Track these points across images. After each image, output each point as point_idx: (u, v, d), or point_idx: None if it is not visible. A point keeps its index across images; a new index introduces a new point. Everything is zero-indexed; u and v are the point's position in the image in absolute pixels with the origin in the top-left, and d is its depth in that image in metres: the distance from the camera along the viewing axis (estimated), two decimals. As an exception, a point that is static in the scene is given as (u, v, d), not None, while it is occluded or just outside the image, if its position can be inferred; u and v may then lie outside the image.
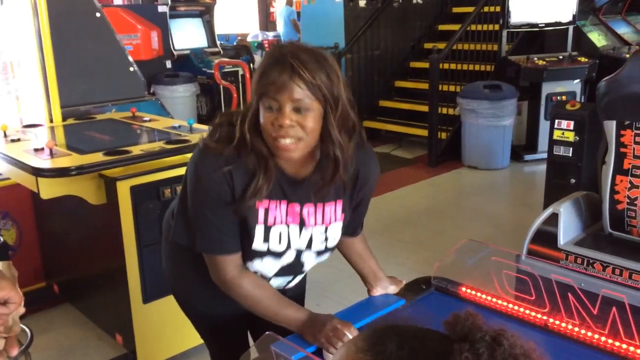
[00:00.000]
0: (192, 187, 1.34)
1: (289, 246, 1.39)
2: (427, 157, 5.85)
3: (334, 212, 1.41)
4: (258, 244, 1.36)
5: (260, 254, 1.38)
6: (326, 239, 1.43)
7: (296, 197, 1.36)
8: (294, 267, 1.45)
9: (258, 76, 1.24)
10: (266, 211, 1.34)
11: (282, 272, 1.44)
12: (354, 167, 1.37)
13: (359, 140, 1.36)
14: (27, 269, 3.06)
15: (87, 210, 2.46)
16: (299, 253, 1.42)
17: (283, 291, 1.50)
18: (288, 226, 1.37)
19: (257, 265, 1.40)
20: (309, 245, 1.42)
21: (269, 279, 1.45)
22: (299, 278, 1.53)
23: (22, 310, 1.06)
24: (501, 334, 0.66)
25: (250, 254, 1.37)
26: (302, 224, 1.38)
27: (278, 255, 1.39)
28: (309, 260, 1.46)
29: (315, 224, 1.39)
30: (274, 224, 1.35)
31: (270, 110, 1.23)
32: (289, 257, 1.41)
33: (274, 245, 1.37)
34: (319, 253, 1.45)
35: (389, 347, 0.66)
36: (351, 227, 1.52)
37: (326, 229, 1.41)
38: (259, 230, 1.34)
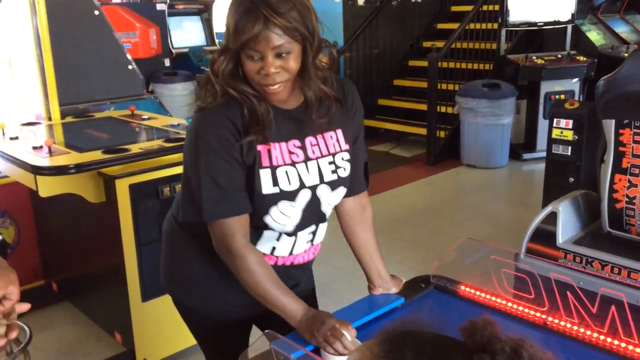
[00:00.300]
0: (195, 150, 1.32)
1: (301, 185, 1.37)
2: (425, 156, 5.86)
3: (337, 140, 1.42)
4: (268, 188, 1.33)
5: (274, 200, 1.34)
6: (336, 168, 1.42)
7: (293, 131, 1.37)
8: (314, 209, 1.41)
9: (233, 28, 1.24)
10: (269, 152, 1.34)
11: (304, 219, 1.40)
12: (340, 86, 1.42)
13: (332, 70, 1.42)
14: (26, 267, 3.05)
15: (86, 208, 2.46)
16: (314, 189, 1.39)
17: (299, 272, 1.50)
18: (294, 164, 1.36)
19: (276, 215, 1.36)
20: (321, 179, 1.40)
21: (295, 237, 1.42)
22: (321, 230, 1.49)
23: (24, 307, 1.06)
24: (521, 345, 0.65)
25: (265, 204, 1.34)
26: (306, 158, 1.38)
27: (292, 196, 1.36)
28: (325, 196, 1.42)
29: (321, 155, 1.40)
30: (278, 164, 1.34)
31: (252, 60, 1.25)
32: (304, 197, 1.38)
33: (284, 185, 1.35)
34: (333, 186, 1.42)
35: (406, 356, 0.65)
36: (353, 180, 1.49)
37: (333, 157, 1.41)
38: (266, 174, 1.33)
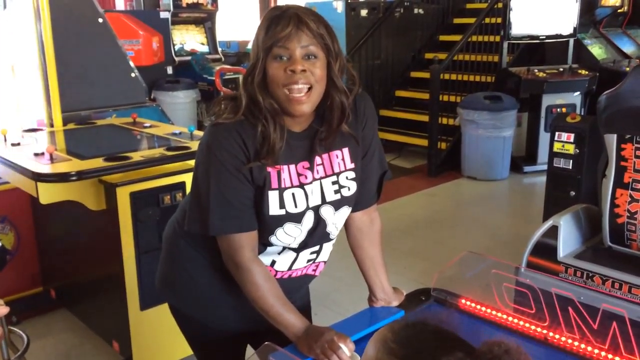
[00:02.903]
0: (206, 164, 1.33)
1: (307, 206, 1.38)
2: (426, 167, 5.86)
3: (342, 159, 1.42)
4: (274, 210, 1.34)
5: (280, 222, 1.35)
6: (340, 188, 1.41)
7: (303, 153, 1.37)
8: (319, 230, 1.41)
9: (264, 31, 1.27)
10: (278, 174, 1.34)
11: (309, 239, 1.41)
12: (353, 112, 1.42)
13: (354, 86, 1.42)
14: (25, 274, 3.05)
15: (86, 215, 2.45)
16: (317, 210, 1.40)
17: (300, 285, 1.49)
18: (302, 186, 1.37)
19: (281, 236, 1.37)
20: (323, 199, 1.40)
21: (297, 254, 1.43)
22: (326, 250, 1.49)
23: (3, 311, 1.06)
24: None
25: (270, 225, 1.35)
26: (312, 179, 1.38)
27: (297, 218, 1.37)
28: (329, 217, 1.42)
29: (325, 174, 1.40)
30: (286, 187, 1.35)
31: (280, 60, 1.27)
32: (308, 219, 1.39)
33: (291, 207, 1.35)
34: (336, 206, 1.42)
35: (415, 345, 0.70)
36: (363, 193, 1.49)
37: (337, 177, 1.41)
38: (274, 195, 1.33)
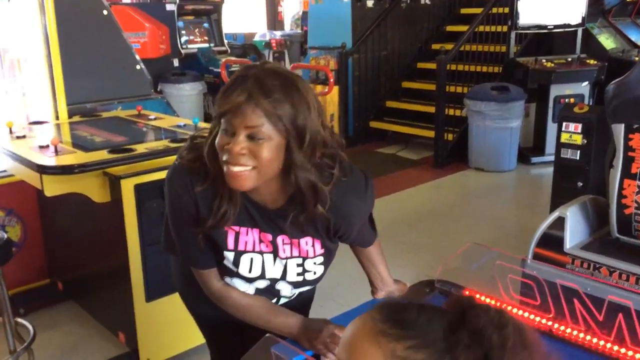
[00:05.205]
0: (166, 204, 1.34)
1: (262, 275, 1.35)
2: (433, 159, 5.83)
3: (312, 246, 1.35)
4: (228, 264, 1.34)
5: (230, 274, 1.36)
6: (304, 272, 1.36)
7: (268, 227, 1.30)
8: (271, 293, 1.40)
9: (220, 94, 1.18)
10: (237, 235, 1.30)
11: (259, 294, 1.40)
12: (329, 214, 1.26)
13: (339, 172, 1.26)
14: (31, 266, 3.07)
15: (92, 208, 2.46)
16: (273, 282, 1.38)
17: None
18: (262, 254, 1.33)
19: (230, 283, 1.38)
20: (283, 277, 1.37)
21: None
22: (284, 300, 1.45)
23: None
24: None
25: (221, 270, 1.36)
26: (275, 253, 1.33)
27: (248, 280, 1.36)
28: (285, 290, 1.40)
29: (291, 255, 1.34)
30: (245, 250, 1.31)
31: (225, 133, 1.16)
32: (261, 284, 1.38)
33: (244, 271, 1.33)
34: (296, 285, 1.39)
35: (409, 314, 0.72)
36: (358, 242, 1.50)
37: (303, 260, 1.35)
38: (229, 255, 1.32)
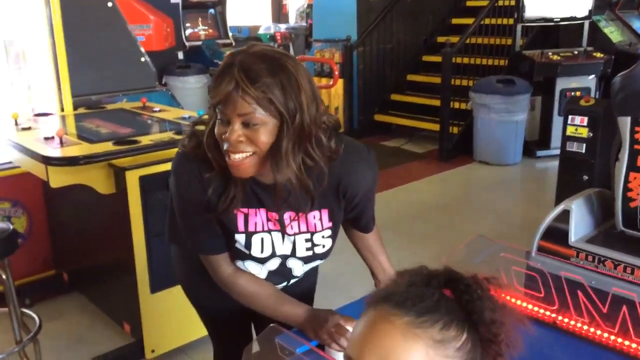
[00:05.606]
0: (173, 192, 1.34)
1: (273, 254, 1.36)
2: (438, 152, 5.82)
3: (320, 220, 1.35)
4: (240, 247, 1.35)
5: (242, 257, 1.36)
6: (313, 246, 1.38)
7: (274, 206, 1.30)
8: (282, 273, 1.42)
9: (212, 84, 1.19)
10: (246, 217, 1.31)
11: (271, 277, 1.41)
12: (336, 178, 1.28)
13: (339, 146, 1.26)
14: (37, 257, 3.09)
15: (97, 199, 2.47)
16: (284, 259, 1.39)
17: (290, 287, 1.47)
18: (270, 232, 1.34)
19: (242, 267, 1.38)
20: (293, 253, 1.38)
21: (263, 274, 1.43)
22: (294, 281, 1.48)
23: None
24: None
25: (234, 255, 1.37)
26: (283, 231, 1.34)
27: (260, 261, 1.37)
28: (297, 268, 1.42)
29: (299, 231, 1.35)
30: (255, 230, 1.32)
31: (221, 122, 1.18)
32: (273, 264, 1.38)
33: (256, 252, 1.34)
34: (306, 260, 1.40)
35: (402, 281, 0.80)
36: (359, 225, 1.50)
37: (312, 235, 1.36)
38: (240, 237, 1.33)
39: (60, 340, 2.75)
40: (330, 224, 1.37)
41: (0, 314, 2.36)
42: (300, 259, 1.39)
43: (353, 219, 1.46)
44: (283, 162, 1.17)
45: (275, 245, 1.35)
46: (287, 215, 1.33)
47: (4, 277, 2.20)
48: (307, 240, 1.37)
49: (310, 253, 1.39)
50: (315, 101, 1.20)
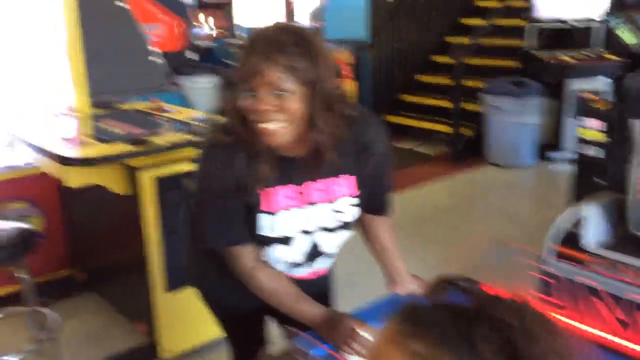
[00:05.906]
0: (200, 182, 1.37)
1: (299, 230, 1.38)
2: (449, 154, 5.80)
3: (345, 186, 1.39)
4: (265, 231, 1.36)
5: (269, 242, 1.37)
6: (338, 214, 1.40)
7: (296, 177, 1.34)
8: (309, 252, 1.43)
9: (238, 60, 1.23)
10: (270, 197, 1.33)
11: (298, 256, 1.42)
12: (355, 139, 1.34)
13: (356, 113, 1.34)
14: (53, 257, 3.11)
15: (112, 199, 2.49)
16: (310, 234, 1.40)
17: (310, 285, 1.48)
18: (296, 208, 1.36)
19: (271, 253, 1.39)
20: (320, 224, 1.39)
21: (293, 268, 1.44)
22: (323, 265, 1.49)
23: None
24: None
25: (260, 243, 1.38)
26: (308, 203, 1.37)
27: (286, 241, 1.38)
28: (324, 242, 1.42)
29: (324, 200, 1.38)
30: (279, 209, 1.34)
31: (249, 96, 1.22)
32: (300, 243, 1.40)
33: (281, 231, 1.36)
34: (333, 230, 1.42)
35: (424, 317, 0.72)
36: (374, 204, 1.50)
37: (337, 203, 1.39)
38: (265, 217, 1.34)
39: (77, 339, 2.78)
40: (354, 190, 1.40)
41: (17, 313, 2.39)
42: (326, 229, 1.40)
43: (369, 195, 1.45)
44: (316, 128, 1.23)
45: (301, 220, 1.37)
46: (312, 185, 1.36)
47: (23, 276, 2.22)
48: (330, 210, 1.38)
49: (336, 222, 1.40)
50: (336, 70, 1.26)
